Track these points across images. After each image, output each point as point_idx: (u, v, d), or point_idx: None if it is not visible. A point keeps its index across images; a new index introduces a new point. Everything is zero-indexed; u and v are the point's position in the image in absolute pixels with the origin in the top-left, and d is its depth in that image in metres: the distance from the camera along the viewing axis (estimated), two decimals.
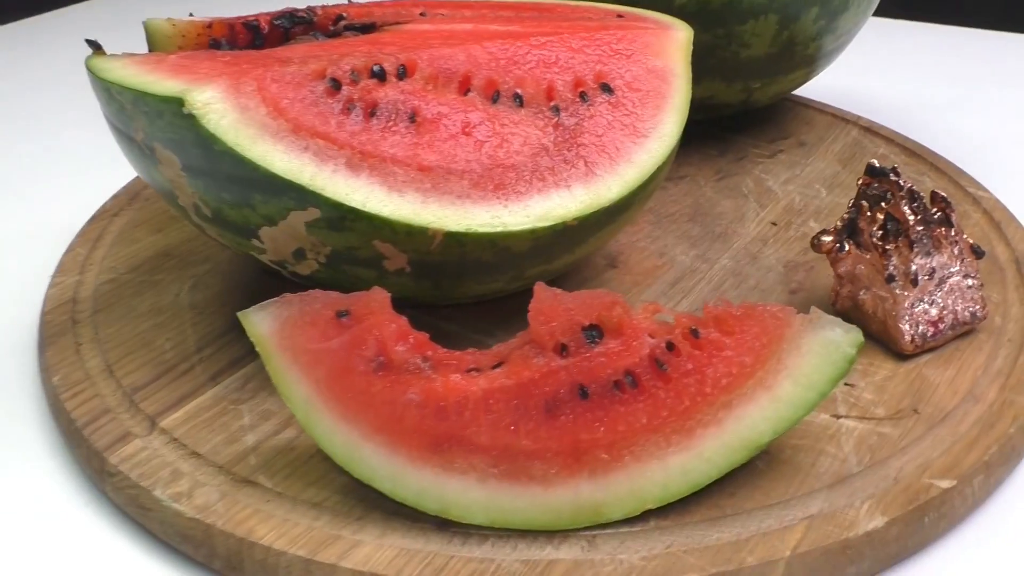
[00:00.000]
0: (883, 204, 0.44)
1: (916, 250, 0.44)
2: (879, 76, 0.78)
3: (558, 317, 0.35)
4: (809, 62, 0.60)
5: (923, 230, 0.45)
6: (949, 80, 0.77)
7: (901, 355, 0.45)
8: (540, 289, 0.35)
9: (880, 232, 0.45)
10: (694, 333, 0.36)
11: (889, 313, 0.45)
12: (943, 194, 0.45)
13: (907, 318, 0.45)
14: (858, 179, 0.45)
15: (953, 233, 0.46)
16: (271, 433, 0.34)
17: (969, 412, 0.42)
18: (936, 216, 0.45)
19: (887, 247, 0.44)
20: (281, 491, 0.32)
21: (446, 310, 0.42)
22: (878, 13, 0.95)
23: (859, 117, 0.66)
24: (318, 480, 0.33)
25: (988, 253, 0.52)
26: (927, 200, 0.48)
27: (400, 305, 0.38)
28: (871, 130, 0.65)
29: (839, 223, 0.46)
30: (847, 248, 0.45)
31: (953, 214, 0.46)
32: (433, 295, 0.37)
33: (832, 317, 0.38)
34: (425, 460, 0.31)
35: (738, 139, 0.64)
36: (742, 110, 0.63)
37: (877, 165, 0.45)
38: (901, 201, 0.44)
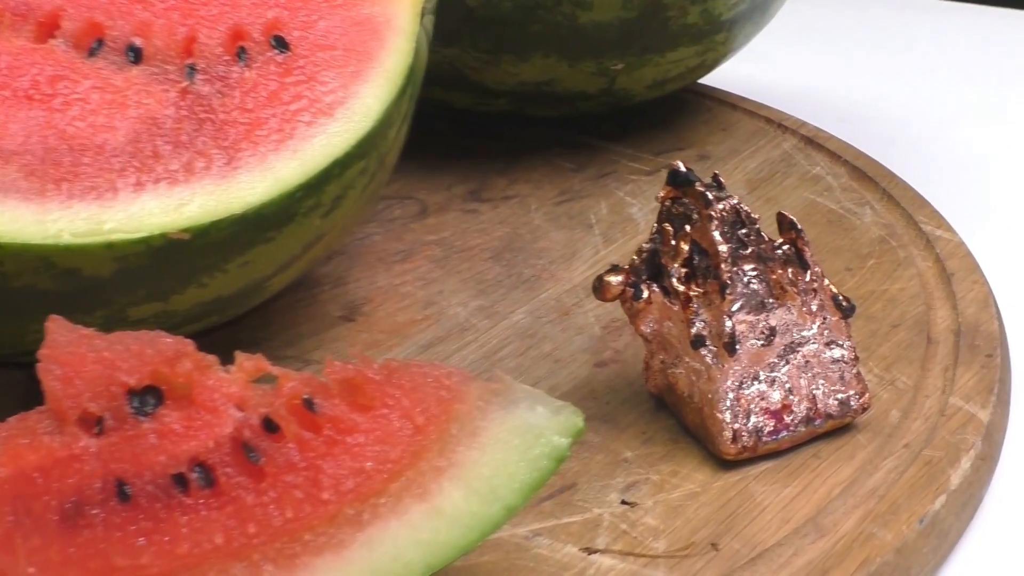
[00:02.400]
0: (688, 228, 0.41)
1: (730, 297, 0.40)
2: (846, 66, 0.75)
3: (88, 371, 0.31)
4: (696, 36, 0.57)
5: (752, 270, 0.41)
6: (949, 72, 0.74)
7: (724, 461, 0.41)
8: (56, 327, 0.31)
9: (684, 270, 0.41)
10: (308, 405, 0.32)
11: (704, 396, 0.41)
12: (792, 218, 0.42)
13: (728, 404, 0.41)
14: (659, 192, 0.42)
15: (808, 278, 0.42)
16: None
17: (800, 551, 0.38)
18: (780, 252, 0.42)
19: (691, 292, 0.41)
20: None
21: None
22: None
23: (803, 123, 0.63)
24: None
25: (921, 316, 0.48)
26: (759, 225, 0.44)
27: None
28: (814, 141, 0.62)
29: (635, 257, 0.42)
30: (645, 295, 0.41)
31: (807, 249, 0.42)
32: None
33: (531, 390, 0.34)
34: None
35: (610, 148, 0.61)
36: (614, 105, 0.60)
37: (682, 169, 0.41)
38: (711, 223, 0.40)
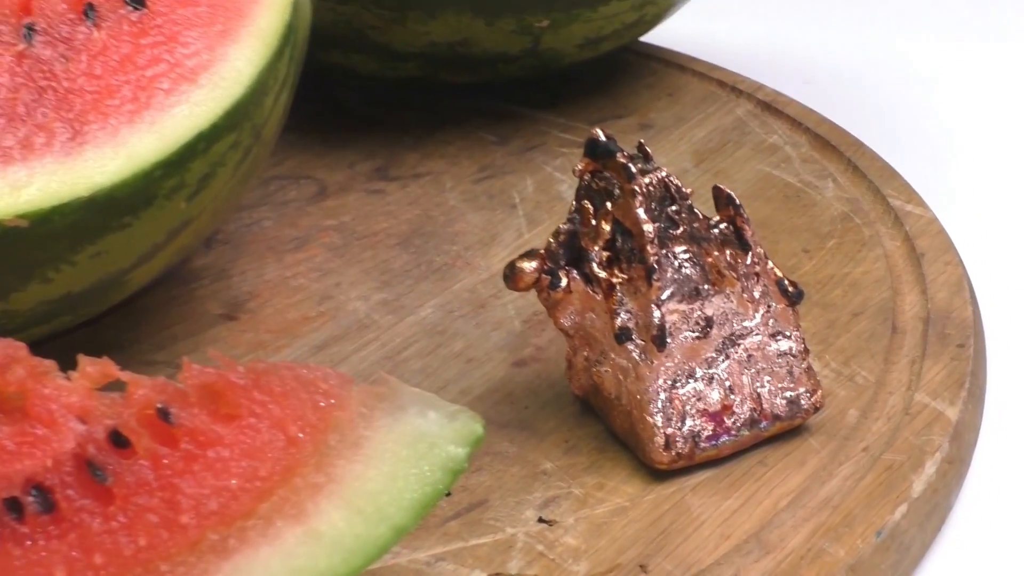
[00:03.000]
0: (609, 205, 0.40)
1: (658, 283, 0.40)
2: (809, 21, 0.75)
3: None
4: None
5: (684, 252, 0.40)
6: (926, 30, 0.74)
7: (656, 471, 0.41)
8: None
9: (606, 254, 0.41)
10: (163, 415, 0.32)
11: (633, 397, 0.41)
12: (729, 192, 0.42)
13: (660, 406, 0.40)
14: (576, 165, 0.41)
15: (749, 261, 0.42)
16: None
17: (742, 571, 0.38)
18: (716, 232, 0.42)
19: (614, 279, 0.40)
20: None
21: None
22: None
23: (759, 86, 0.63)
24: None
25: (886, 303, 0.48)
26: (693, 201, 0.44)
27: None
28: (772, 107, 0.62)
29: (552, 240, 0.42)
30: (563, 282, 0.41)
31: (747, 228, 0.42)
32: None
33: (422, 394, 0.34)
34: None
35: (538, 118, 0.61)
36: (541, 69, 0.60)
37: (601, 138, 0.41)
38: (634, 199, 0.40)
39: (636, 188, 0.40)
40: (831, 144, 0.59)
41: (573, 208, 0.42)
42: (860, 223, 0.53)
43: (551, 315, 0.42)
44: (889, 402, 0.44)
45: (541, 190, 0.56)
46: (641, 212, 0.40)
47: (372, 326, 0.48)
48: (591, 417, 0.44)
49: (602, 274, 0.41)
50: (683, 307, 0.41)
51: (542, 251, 0.42)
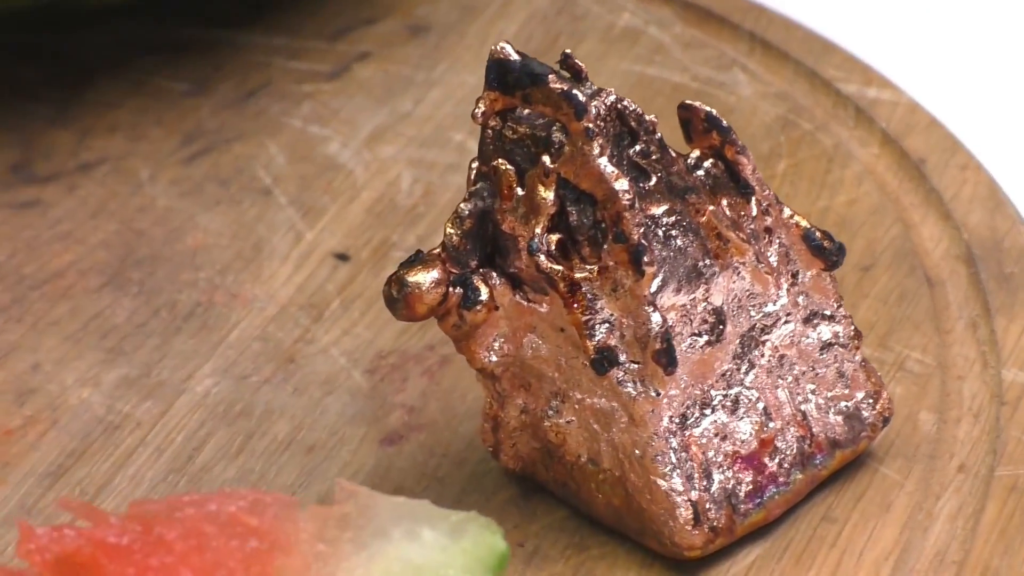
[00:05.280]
0: (550, 159, 0.42)
1: (651, 268, 0.41)
2: None
3: None
4: None
5: (667, 214, 0.42)
6: None
7: (683, 561, 0.43)
8: None
9: (556, 237, 0.42)
10: None
11: (628, 454, 0.42)
12: (708, 110, 0.44)
13: (674, 459, 0.42)
14: (476, 108, 0.43)
15: (755, 211, 0.44)
16: None
17: None
18: (701, 174, 0.44)
19: (576, 274, 0.42)
20: None
21: None
22: None
23: None
24: None
25: (900, 243, 0.52)
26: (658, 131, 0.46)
27: None
28: None
29: (452, 231, 0.43)
30: (483, 295, 0.42)
31: (745, 160, 0.44)
32: None
33: (406, 502, 0.35)
34: None
35: (243, 43, 0.62)
36: None
37: (512, 56, 0.42)
38: (591, 144, 0.41)
39: (590, 126, 0.41)
40: (715, 14, 0.62)
41: (475, 174, 0.43)
42: (811, 127, 0.56)
43: (464, 351, 0.43)
44: (966, 390, 0.47)
45: (298, 157, 0.57)
46: (605, 163, 0.42)
47: (125, 424, 0.48)
48: (542, 501, 0.45)
49: (555, 268, 0.42)
50: (682, 299, 0.43)
51: (438, 251, 0.43)
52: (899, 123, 0.56)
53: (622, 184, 0.42)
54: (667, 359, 0.42)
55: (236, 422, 0.48)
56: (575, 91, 0.42)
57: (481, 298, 0.43)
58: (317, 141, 0.58)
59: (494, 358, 0.43)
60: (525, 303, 0.43)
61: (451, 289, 0.43)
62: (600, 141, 0.42)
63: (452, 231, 0.43)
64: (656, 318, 0.42)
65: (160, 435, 0.48)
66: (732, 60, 0.60)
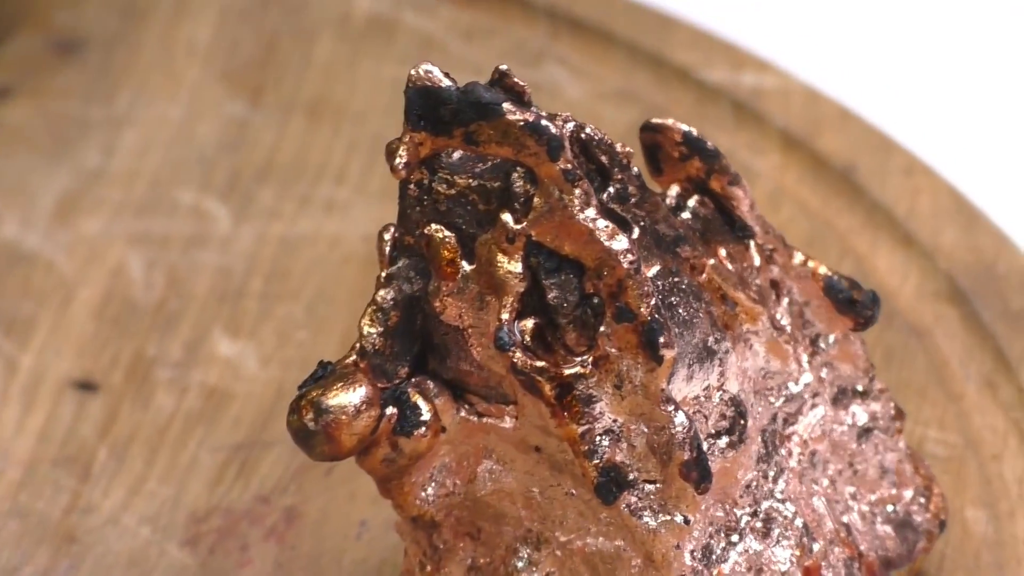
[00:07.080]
0: (513, 217, 0.42)
1: (670, 354, 0.42)
2: None
3: None
4: None
5: (660, 275, 0.43)
6: None
7: None
8: None
9: (531, 322, 0.43)
10: None
11: None
12: (686, 129, 0.45)
13: None
14: (395, 142, 0.43)
15: (756, 260, 0.45)
16: None
17: None
18: (687, 216, 0.45)
19: (565, 369, 0.42)
20: None
21: None
22: None
23: None
24: None
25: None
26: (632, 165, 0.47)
27: None
28: None
29: (372, 327, 0.43)
30: (426, 415, 0.43)
31: (741, 194, 0.45)
32: None
33: None
34: None
35: None
36: None
37: (444, 83, 0.43)
38: (573, 193, 0.42)
39: (569, 168, 0.42)
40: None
41: (389, 247, 0.44)
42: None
43: (393, 494, 0.44)
44: (1008, 473, 0.49)
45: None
46: (594, 216, 0.42)
47: None
48: None
49: (535, 366, 0.43)
50: (695, 389, 0.44)
51: (354, 359, 0.43)
52: (799, 118, 0.58)
53: (621, 242, 0.42)
54: (699, 471, 0.43)
55: None
56: (542, 122, 0.43)
57: (423, 418, 0.43)
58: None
59: (433, 499, 0.44)
60: (475, 419, 0.43)
61: (385, 409, 0.43)
62: (584, 187, 0.43)
63: (372, 330, 0.43)
64: (681, 418, 0.43)
65: None
66: (538, 50, 0.60)
